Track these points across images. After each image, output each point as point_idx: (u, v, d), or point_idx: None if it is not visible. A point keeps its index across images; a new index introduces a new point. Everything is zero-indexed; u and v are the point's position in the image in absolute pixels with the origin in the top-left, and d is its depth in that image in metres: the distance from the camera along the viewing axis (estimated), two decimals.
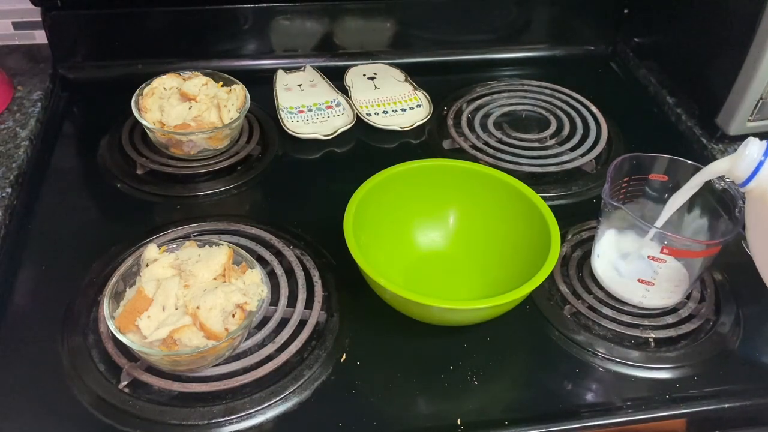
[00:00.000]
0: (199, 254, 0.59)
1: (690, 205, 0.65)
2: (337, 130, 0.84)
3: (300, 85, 0.91)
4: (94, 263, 0.66)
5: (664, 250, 0.59)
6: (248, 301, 0.56)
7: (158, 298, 0.55)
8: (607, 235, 0.66)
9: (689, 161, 0.65)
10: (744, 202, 0.60)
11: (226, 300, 0.55)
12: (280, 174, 0.79)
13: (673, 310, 0.64)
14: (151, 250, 0.59)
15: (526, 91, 0.93)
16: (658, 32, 0.97)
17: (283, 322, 0.60)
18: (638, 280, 0.62)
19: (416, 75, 0.93)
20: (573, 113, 0.88)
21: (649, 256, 0.60)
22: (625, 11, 1.01)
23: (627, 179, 0.66)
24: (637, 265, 0.62)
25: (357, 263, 0.58)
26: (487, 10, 0.97)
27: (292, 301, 0.62)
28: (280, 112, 0.86)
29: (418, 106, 0.89)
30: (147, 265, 0.58)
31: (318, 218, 0.71)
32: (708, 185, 0.63)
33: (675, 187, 0.65)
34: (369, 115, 0.86)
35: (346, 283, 0.64)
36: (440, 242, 0.69)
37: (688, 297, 0.65)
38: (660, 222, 0.62)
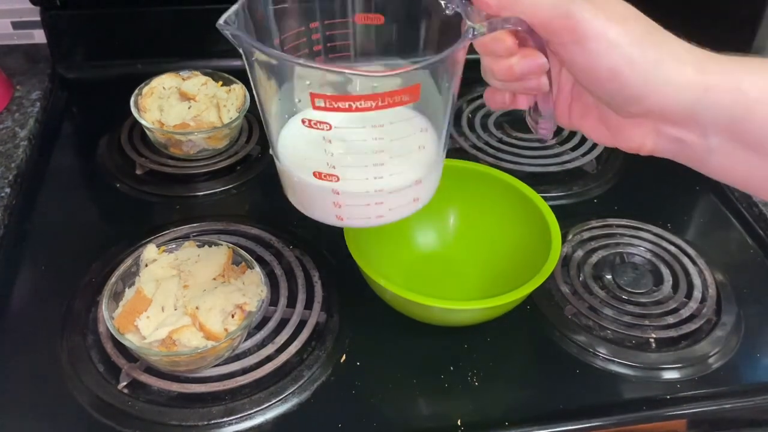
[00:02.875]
0: (198, 254, 0.58)
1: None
2: None
3: None
4: (94, 263, 0.65)
5: (317, 102, 0.38)
6: (248, 302, 0.55)
7: (157, 299, 0.55)
8: (272, 116, 0.45)
9: None
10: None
11: (225, 300, 0.55)
12: None
13: (674, 311, 0.64)
14: (150, 251, 0.58)
15: None
16: None
17: (283, 323, 0.60)
18: (314, 175, 0.42)
19: None
20: None
21: (303, 121, 0.40)
22: None
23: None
24: (302, 146, 0.43)
25: (357, 263, 0.58)
26: None
27: (291, 302, 0.62)
28: None
29: None
30: (146, 266, 0.58)
31: None
32: None
33: None
34: None
35: (346, 283, 0.64)
36: (440, 242, 0.69)
37: (689, 297, 0.65)
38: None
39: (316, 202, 0.46)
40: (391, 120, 0.41)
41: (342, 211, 0.45)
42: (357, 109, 0.38)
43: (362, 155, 0.43)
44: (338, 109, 0.38)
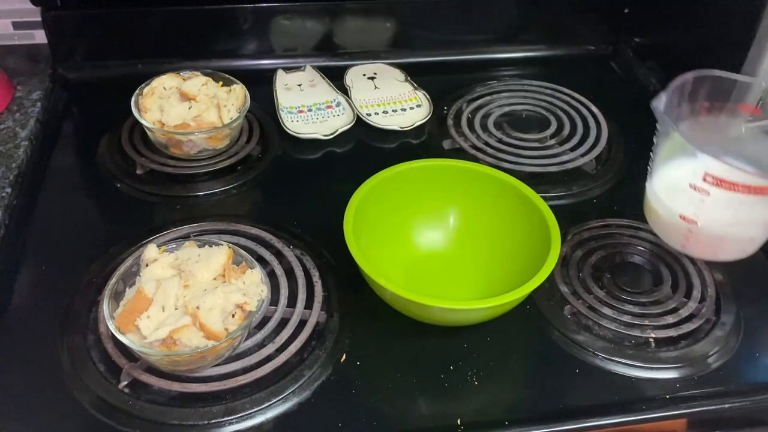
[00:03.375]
0: (198, 254, 0.58)
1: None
2: (336, 130, 0.83)
3: (300, 85, 0.91)
4: (94, 263, 0.66)
5: (707, 178, 0.52)
6: (248, 301, 0.56)
7: (158, 298, 0.55)
8: (660, 167, 0.59)
9: None
10: None
11: (225, 300, 0.55)
12: (280, 174, 0.79)
13: (673, 310, 0.64)
14: (150, 250, 0.58)
15: (526, 91, 0.93)
16: (658, 32, 0.97)
17: (283, 322, 0.60)
18: (680, 217, 0.56)
19: (416, 75, 0.93)
20: (573, 113, 0.88)
21: (690, 185, 0.54)
22: (625, 11, 1.00)
23: (707, 105, 0.60)
24: (680, 197, 0.56)
25: (357, 263, 0.58)
26: (487, 10, 0.97)
27: (291, 301, 0.62)
28: (280, 112, 0.86)
29: (418, 105, 0.89)
30: (147, 265, 0.58)
31: (318, 218, 0.71)
32: None
33: None
34: (369, 115, 0.86)
35: (346, 283, 0.64)
36: (440, 242, 0.69)
37: (688, 296, 0.65)
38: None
39: (671, 231, 0.60)
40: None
41: (688, 243, 0.59)
42: (735, 190, 0.53)
43: (726, 212, 0.56)
44: (720, 186, 0.53)
